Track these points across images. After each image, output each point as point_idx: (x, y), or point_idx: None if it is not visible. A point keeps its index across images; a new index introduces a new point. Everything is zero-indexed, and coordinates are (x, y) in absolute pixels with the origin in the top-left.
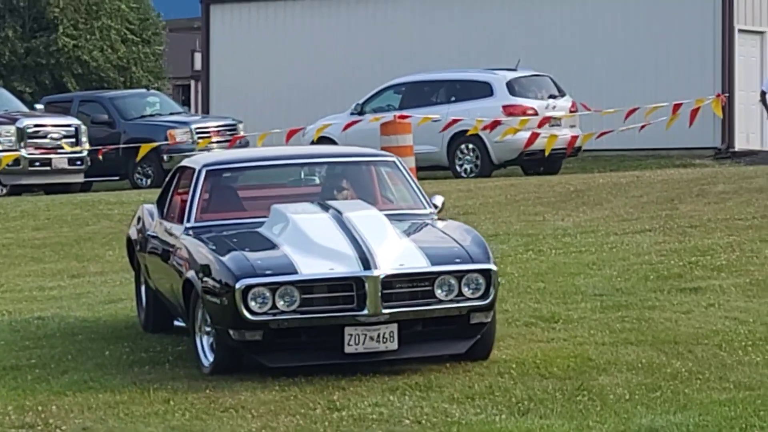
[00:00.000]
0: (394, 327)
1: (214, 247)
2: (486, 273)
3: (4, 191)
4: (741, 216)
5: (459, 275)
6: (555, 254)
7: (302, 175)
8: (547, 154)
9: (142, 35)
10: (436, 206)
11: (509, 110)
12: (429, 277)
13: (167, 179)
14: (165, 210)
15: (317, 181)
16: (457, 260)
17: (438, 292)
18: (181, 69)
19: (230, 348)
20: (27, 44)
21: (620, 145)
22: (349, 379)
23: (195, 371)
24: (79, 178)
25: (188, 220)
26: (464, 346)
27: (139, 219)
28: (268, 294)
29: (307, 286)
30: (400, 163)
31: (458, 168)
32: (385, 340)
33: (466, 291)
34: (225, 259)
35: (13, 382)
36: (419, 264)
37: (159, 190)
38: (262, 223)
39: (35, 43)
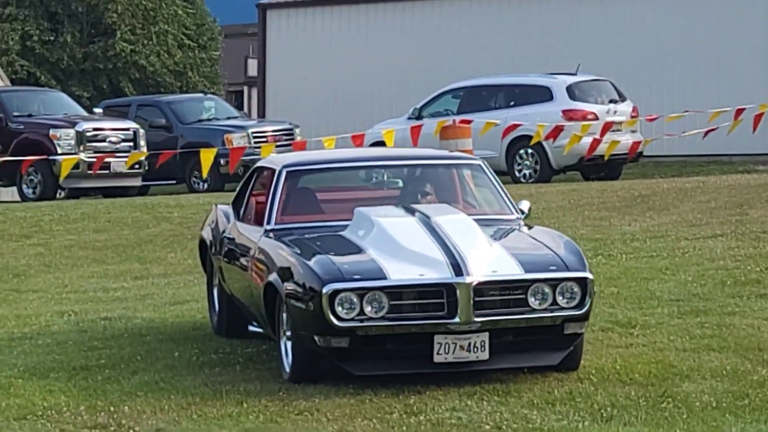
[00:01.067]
0: (486, 336)
1: (298, 251)
2: (582, 281)
3: (63, 194)
4: None
5: (553, 283)
6: (626, 259)
7: (384, 178)
8: (606, 158)
9: (198, 40)
10: (522, 212)
11: (569, 115)
12: (522, 285)
13: (244, 180)
14: (241, 211)
15: (400, 183)
16: (552, 267)
17: (531, 301)
18: (235, 75)
19: (309, 354)
20: (85, 49)
21: (681, 151)
22: (426, 384)
23: (267, 373)
24: (137, 182)
25: (268, 222)
26: (557, 358)
27: (213, 221)
28: (355, 299)
29: (396, 291)
30: (486, 166)
31: (517, 173)
32: (475, 349)
33: (560, 300)
34: (311, 262)
35: (84, 382)
36: (512, 271)
37: (218, 194)
38: (346, 226)
39: (93, 48)
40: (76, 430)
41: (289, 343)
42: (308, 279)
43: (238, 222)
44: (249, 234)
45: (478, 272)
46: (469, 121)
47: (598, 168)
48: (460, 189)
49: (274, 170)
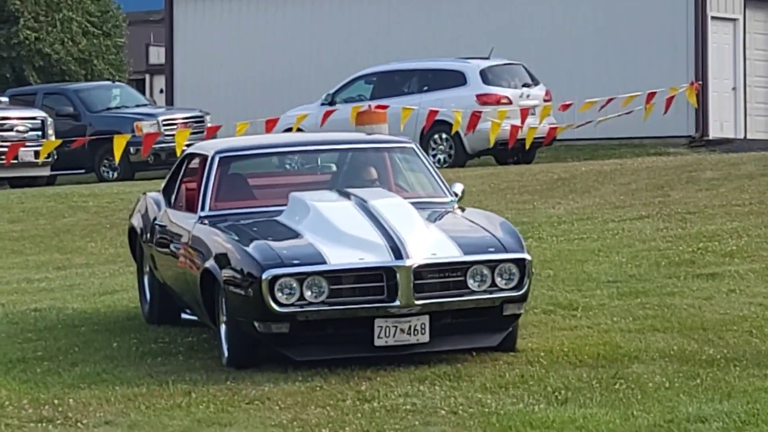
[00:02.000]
0: (426, 319)
1: (235, 237)
2: (520, 262)
3: None
4: (738, 202)
5: (492, 265)
6: (557, 242)
7: (318, 162)
8: (528, 146)
9: (102, 28)
10: (456, 194)
11: (483, 99)
12: (461, 267)
13: (174, 167)
14: (173, 199)
15: (333, 168)
16: (491, 249)
17: (470, 283)
18: (136, 63)
19: (246, 339)
20: None
21: (592, 135)
22: (374, 370)
23: (210, 362)
24: (46, 172)
25: (202, 209)
26: (496, 339)
27: (142, 208)
28: (295, 285)
29: (336, 276)
30: (419, 149)
31: (432, 158)
32: (416, 332)
33: (499, 281)
34: (249, 248)
35: (24, 375)
36: (451, 253)
37: (129, 182)
38: (281, 211)
39: None
40: (22, 424)
41: (224, 329)
42: (247, 265)
43: (169, 209)
44: (182, 221)
45: (417, 255)
46: (385, 107)
47: (512, 152)
48: (393, 172)
49: (206, 156)
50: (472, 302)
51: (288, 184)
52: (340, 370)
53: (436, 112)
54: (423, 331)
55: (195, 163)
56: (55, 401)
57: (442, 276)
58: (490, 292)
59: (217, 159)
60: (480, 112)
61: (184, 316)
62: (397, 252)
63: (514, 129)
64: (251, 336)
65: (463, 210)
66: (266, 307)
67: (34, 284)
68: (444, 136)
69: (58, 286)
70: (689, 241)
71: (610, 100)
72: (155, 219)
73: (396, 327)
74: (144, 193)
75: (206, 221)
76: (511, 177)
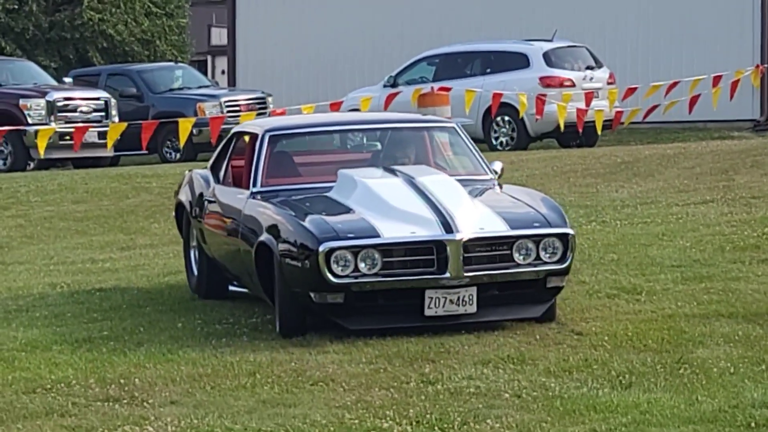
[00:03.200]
0: (473, 290)
1: (291, 211)
2: (564, 237)
3: (32, 165)
4: None
5: (537, 239)
6: (620, 225)
7: (363, 141)
8: (599, 131)
9: (165, 8)
10: (495, 172)
11: (546, 81)
12: (508, 241)
13: (222, 145)
14: (221, 176)
15: (378, 146)
16: (536, 224)
17: (516, 256)
18: (198, 44)
19: (298, 309)
20: (51, 18)
21: (655, 118)
22: (437, 352)
23: (275, 343)
24: (108, 152)
25: (254, 185)
26: (539, 310)
27: (189, 185)
28: (350, 257)
29: (389, 249)
30: (460, 129)
31: (494, 141)
32: (464, 303)
33: (543, 255)
34: (305, 222)
35: (89, 354)
36: (499, 228)
37: (192, 163)
38: (330, 188)
39: (59, 16)
40: (88, 403)
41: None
42: (303, 238)
43: (218, 186)
44: (233, 197)
45: (466, 229)
46: (448, 89)
47: (574, 135)
48: (434, 151)
49: (256, 135)
50: (518, 275)
51: (336, 162)
52: (404, 353)
53: (501, 95)
54: (471, 301)
55: (243, 141)
56: (122, 380)
57: (489, 249)
58: (535, 266)
59: (267, 137)
60: (544, 95)
61: (231, 288)
62: (448, 226)
63: (581, 112)
64: (304, 306)
65: (502, 187)
66: (322, 278)
67: (99, 264)
68: (506, 118)
69: (123, 266)
70: (754, 226)
71: (675, 83)
72: (204, 195)
73: (445, 298)
74: (190, 170)
75: (258, 197)
76: (573, 160)
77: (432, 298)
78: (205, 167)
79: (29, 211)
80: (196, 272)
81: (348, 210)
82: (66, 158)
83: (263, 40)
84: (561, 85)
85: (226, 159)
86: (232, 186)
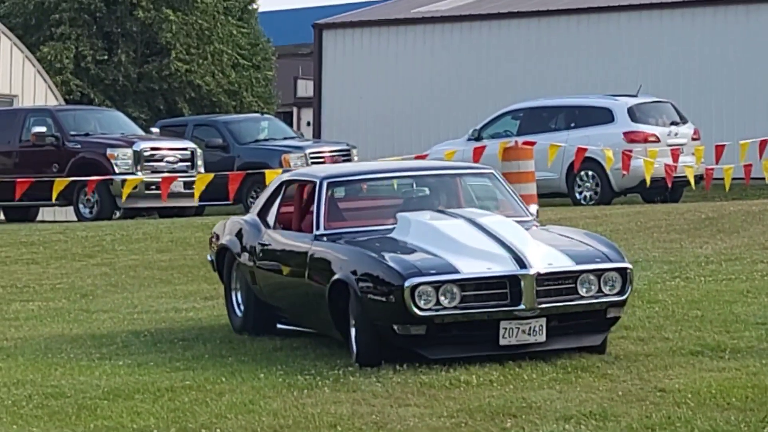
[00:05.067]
0: (543, 321)
1: (368, 251)
2: (622, 271)
3: (118, 214)
4: None
5: (599, 273)
6: (704, 282)
7: (413, 186)
8: (693, 186)
9: (252, 60)
10: (532, 214)
11: (630, 137)
12: (573, 276)
13: (270, 193)
14: (273, 221)
15: (427, 191)
16: (597, 260)
17: (580, 289)
18: (284, 95)
19: (376, 341)
20: (140, 69)
21: (739, 174)
22: (519, 407)
23: (356, 395)
24: (194, 202)
25: (317, 228)
26: (599, 339)
27: (234, 231)
28: (431, 291)
29: (468, 284)
30: (499, 174)
31: (577, 195)
32: (534, 333)
33: (604, 288)
34: (387, 260)
35: (171, 404)
36: (566, 263)
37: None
38: (389, 230)
39: (148, 67)
40: None
41: (354, 332)
42: (388, 275)
43: (272, 231)
44: (293, 240)
45: (538, 265)
46: (532, 143)
47: (658, 191)
48: (480, 194)
49: (314, 182)
50: (582, 306)
51: (386, 206)
52: (485, 407)
53: (585, 149)
54: (541, 332)
55: (298, 188)
56: (203, 430)
57: (557, 283)
58: (597, 297)
59: (325, 184)
60: (630, 150)
61: (279, 326)
62: (521, 262)
63: (669, 168)
64: (384, 338)
65: (547, 226)
66: (408, 311)
67: (182, 314)
68: (590, 173)
69: (206, 316)
70: None
71: (765, 141)
72: (254, 240)
73: (518, 328)
74: (229, 218)
75: (324, 239)
76: (658, 215)
77: (506, 328)
78: (241, 215)
79: (114, 259)
80: (241, 312)
81: (419, 249)
82: (152, 207)
83: (349, 92)
84: (645, 141)
85: (276, 206)
86: (289, 230)
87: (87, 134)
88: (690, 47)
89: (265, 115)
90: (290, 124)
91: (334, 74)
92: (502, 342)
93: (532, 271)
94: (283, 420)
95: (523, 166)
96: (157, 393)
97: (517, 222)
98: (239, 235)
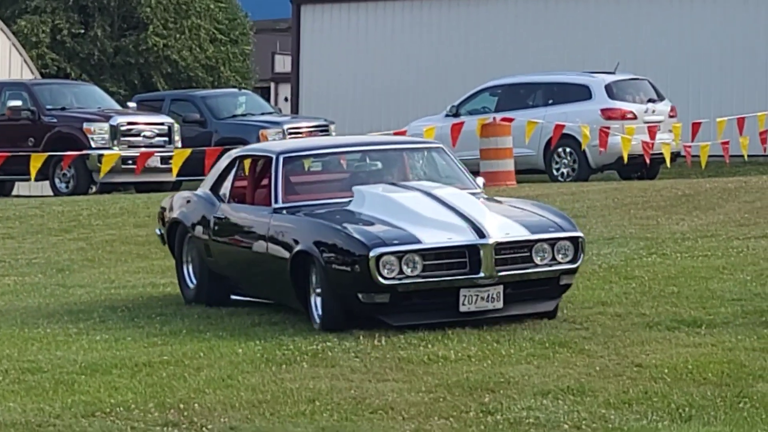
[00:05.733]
0: (500, 288)
1: (330, 223)
2: (575, 240)
3: (95, 189)
4: None
5: (552, 242)
6: (681, 258)
7: (366, 161)
8: (669, 164)
9: (230, 35)
10: (480, 187)
11: (608, 114)
12: (529, 245)
13: (223, 168)
14: (227, 196)
15: (379, 165)
16: (551, 229)
17: (536, 258)
18: (262, 70)
19: (339, 307)
20: (116, 43)
21: (715, 151)
22: (497, 382)
23: (334, 371)
24: (171, 177)
25: (275, 202)
26: (552, 305)
27: (183, 205)
28: (395, 261)
29: (429, 253)
30: (447, 149)
31: (555, 172)
32: (492, 299)
33: (558, 256)
34: (351, 231)
35: (149, 379)
36: (521, 233)
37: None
38: (346, 203)
39: (124, 42)
40: (147, 427)
41: (318, 299)
42: (352, 246)
43: (226, 205)
44: (251, 214)
45: (496, 234)
46: (510, 119)
47: (635, 168)
48: (431, 168)
49: (270, 157)
50: (537, 274)
51: (339, 180)
52: (464, 382)
53: (563, 126)
54: (498, 298)
55: (252, 163)
56: (181, 405)
57: (513, 252)
58: (551, 265)
59: (281, 159)
60: (607, 127)
61: (233, 297)
62: (479, 232)
63: (647, 145)
64: (348, 306)
65: (498, 198)
66: (372, 280)
67: (160, 289)
68: (568, 150)
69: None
70: None
71: (743, 119)
72: (209, 213)
73: (477, 295)
74: (176, 194)
75: (283, 212)
76: (634, 192)
77: (466, 296)
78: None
79: (91, 234)
80: (193, 284)
81: (379, 221)
82: (128, 182)
83: (327, 67)
84: (623, 118)
85: (230, 181)
86: (245, 204)
87: (63, 108)
88: (668, 25)
89: (243, 91)
90: (268, 100)
91: (312, 49)
92: (462, 309)
93: (490, 241)
94: (261, 395)
95: (501, 143)
96: (134, 368)
97: (471, 194)
98: (191, 209)
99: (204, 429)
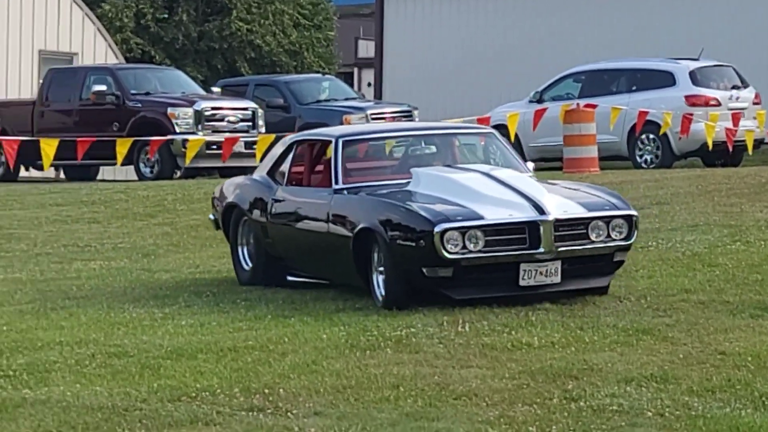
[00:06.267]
0: (558, 264)
1: (397, 201)
2: (629, 218)
3: (179, 173)
4: None
5: (607, 220)
6: (765, 246)
7: (421, 145)
8: (751, 151)
9: (313, 20)
10: (530, 171)
11: (692, 100)
12: (585, 222)
13: (280, 153)
14: (284, 179)
15: (434, 149)
16: (606, 207)
17: (591, 234)
18: (345, 56)
19: (402, 284)
20: (200, 28)
21: None
22: (580, 369)
23: (419, 357)
24: (255, 162)
25: (336, 183)
26: (606, 281)
27: (239, 189)
28: (458, 236)
29: (491, 229)
30: (498, 134)
31: (638, 158)
32: (550, 274)
33: (612, 233)
34: (417, 209)
35: (235, 364)
36: (579, 211)
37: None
38: (405, 184)
39: (208, 26)
40: (233, 412)
41: (380, 277)
42: (417, 222)
43: (284, 187)
44: (310, 195)
45: (554, 212)
46: (594, 106)
47: (719, 155)
48: (482, 152)
49: (329, 141)
50: (593, 250)
51: (395, 163)
52: (548, 369)
53: (646, 112)
54: (556, 273)
55: (311, 148)
56: (266, 390)
57: (571, 229)
58: (605, 242)
59: (341, 142)
60: (691, 114)
61: (289, 278)
62: (539, 209)
63: (730, 132)
64: (411, 281)
65: (546, 181)
66: (437, 255)
67: None
68: (651, 136)
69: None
70: None
71: None
72: (268, 196)
73: (536, 270)
74: (223, 182)
75: (344, 192)
76: (718, 179)
77: (526, 270)
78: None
79: (175, 219)
80: (248, 266)
81: (439, 200)
82: (212, 167)
83: (410, 53)
84: (707, 104)
85: (288, 165)
86: (305, 187)
87: (147, 93)
88: (753, 10)
89: (327, 76)
90: (351, 85)
91: (396, 35)
92: (522, 283)
93: (550, 217)
94: (345, 380)
95: (585, 129)
96: (219, 353)
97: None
98: (248, 193)
99: (289, 414)
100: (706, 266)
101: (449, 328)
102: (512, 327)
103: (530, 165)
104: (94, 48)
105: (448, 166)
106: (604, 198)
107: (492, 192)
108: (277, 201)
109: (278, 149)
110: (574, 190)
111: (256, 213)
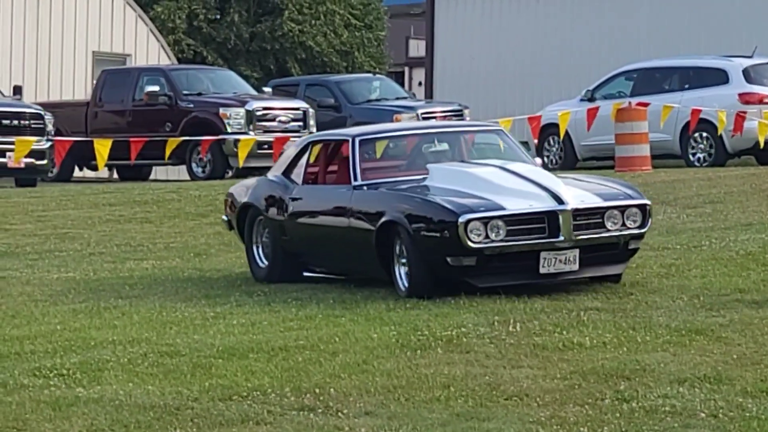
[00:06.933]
0: (576, 252)
1: (419, 195)
2: (643, 207)
3: (231, 173)
4: None
5: (622, 209)
6: None
7: (435, 143)
8: None
9: (364, 20)
10: (539, 166)
11: (745, 98)
12: (601, 211)
13: (296, 154)
14: (301, 179)
15: (446, 146)
16: (621, 197)
17: (607, 223)
18: (396, 55)
19: (426, 274)
20: (252, 29)
21: None
22: (633, 369)
23: (469, 356)
24: None
25: (355, 180)
26: (621, 268)
27: (254, 190)
28: (481, 227)
29: (512, 219)
30: (506, 131)
31: (691, 157)
32: (569, 262)
33: (627, 222)
34: (440, 201)
35: (285, 363)
36: (595, 201)
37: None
38: (423, 179)
39: (260, 27)
40: (284, 411)
41: (403, 269)
42: (441, 213)
43: (303, 186)
44: (328, 192)
45: (572, 202)
46: (646, 104)
47: None
48: (493, 149)
49: (346, 140)
50: (609, 238)
51: (411, 160)
52: (599, 369)
53: (700, 111)
54: (574, 261)
55: (327, 147)
56: (317, 390)
57: (588, 218)
58: (621, 231)
59: (357, 141)
60: (744, 112)
61: (305, 273)
62: (558, 199)
63: None
64: (433, 271)
65: (557, 174)
66: (462, 244)
67: None
68: (704, 135)
69: (319, 276)
70: None
71: None
72: (285, 195)
73: (556, 258)
74: (236, 183)
75: (364, 188)
76: None
77: (546, 258)
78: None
79: None
80: (263, 264)
81: (458, 193)
82: (264, 167)
83: (461, 52)
84: (760, 102)
85: (303, 164)
86: (322, 185)
87: (200, 93)
88: None
89: (377, 75)
90: (402, 84)
91: (446, 34)
92: (542, 270)
93: (569, 207)
94: (396, 380)
95: (637, 127)
96: (271, 352)
97: None
98: (264, 192)
99: (339, 413)
100: (760, 265)
101: (500, 327)
102: (563, 327)
103: (538, 161)
104: (147, 49)
105: (461, 161)
106: (618, 189)
107: (510, 184)
108: (294, 199)
109: (292, 151)
110: (588, 182)
111: (273, 212)
